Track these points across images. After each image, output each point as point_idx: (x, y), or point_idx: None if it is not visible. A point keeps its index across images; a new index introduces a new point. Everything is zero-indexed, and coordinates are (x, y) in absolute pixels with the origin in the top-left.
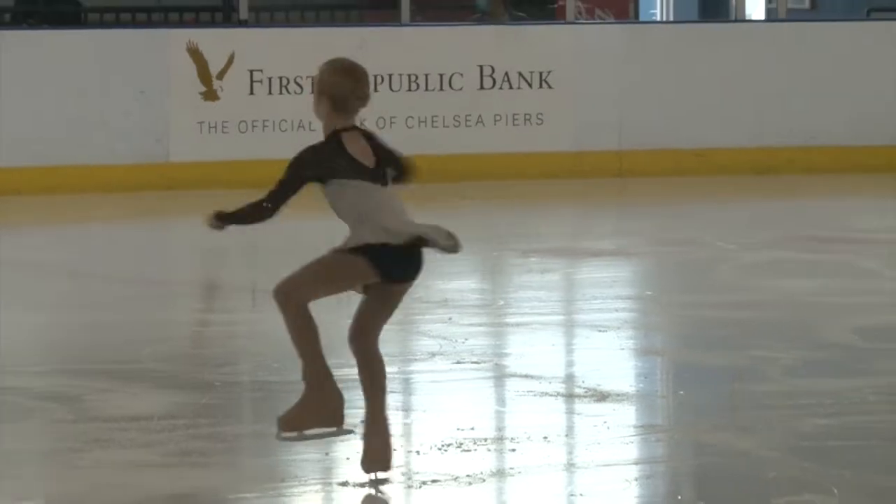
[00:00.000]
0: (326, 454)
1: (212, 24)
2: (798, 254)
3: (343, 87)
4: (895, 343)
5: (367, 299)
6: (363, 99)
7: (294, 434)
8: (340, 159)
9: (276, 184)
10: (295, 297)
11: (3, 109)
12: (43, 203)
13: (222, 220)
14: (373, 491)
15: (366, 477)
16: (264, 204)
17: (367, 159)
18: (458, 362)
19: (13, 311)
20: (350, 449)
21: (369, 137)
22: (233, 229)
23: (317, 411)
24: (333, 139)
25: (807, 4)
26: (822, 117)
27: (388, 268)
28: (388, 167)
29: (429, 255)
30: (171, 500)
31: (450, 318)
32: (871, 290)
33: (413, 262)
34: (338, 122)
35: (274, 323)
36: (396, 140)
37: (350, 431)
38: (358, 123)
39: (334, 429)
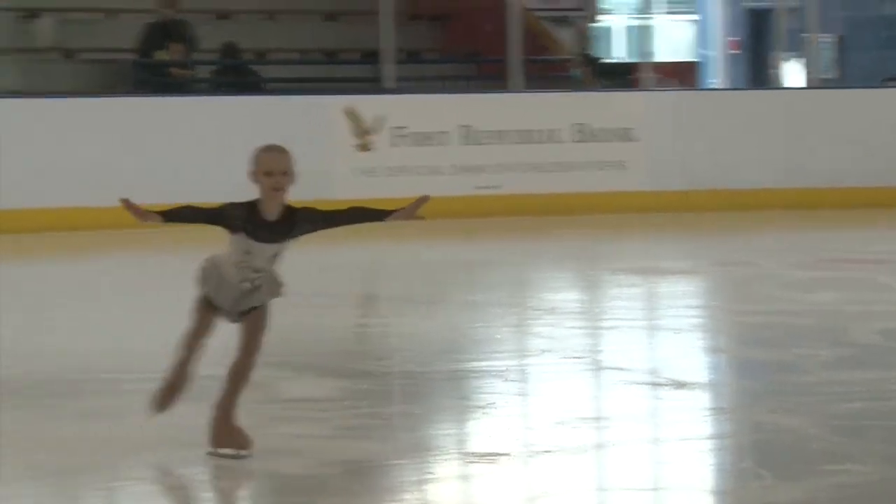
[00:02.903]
0: (462, 430)
1: (364, 91)
2: (828, 272)
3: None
4: None
5: None
6: None
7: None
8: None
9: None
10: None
11: (199, 155)
12: None
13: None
14: (498, 459)
15: (491, 447)
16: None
17: None
18: (564, 357)
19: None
20: (481, 425)
21: None
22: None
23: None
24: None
25: (833, 75)
26: (846, 163)
27: None
28: None
29: (538, 272)
30: (339, 466)
31: (557, 323)
32: (889, 300)
33: None
34: None
35: (418, 325)
36: (510, 183)
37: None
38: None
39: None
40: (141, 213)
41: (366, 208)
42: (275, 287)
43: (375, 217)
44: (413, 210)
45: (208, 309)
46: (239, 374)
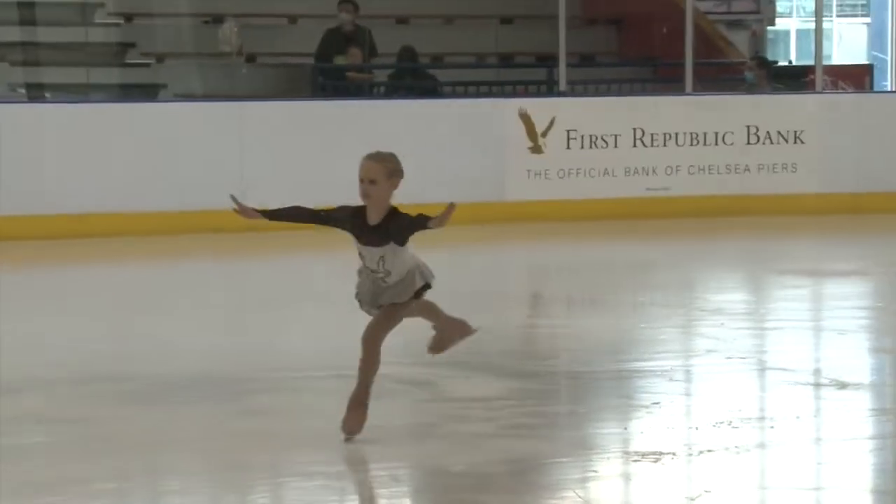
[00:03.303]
0: (625, 428)
1: (538, 94)
2: None
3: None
4: None
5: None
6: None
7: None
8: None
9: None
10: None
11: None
12: None
13: (266, 215)
14: (661, 458)
15: (654, 446)
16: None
17: None
18: (729, 357)
19: None
20: (644, 424)
21: None
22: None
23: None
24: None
25: None
26: None
27: None
28: None
29: (705, 273)
30: (504, 464)
31: (722, 323)
32: None
33: None
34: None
35: (586, 326)
36: (681, 185)
37: None
38: None
39: None
40: (245, 211)
41: (425, 216)
42: (408, 288)
43: (426, 224)
44: (444, 218)
45: None
46: (360, 368)
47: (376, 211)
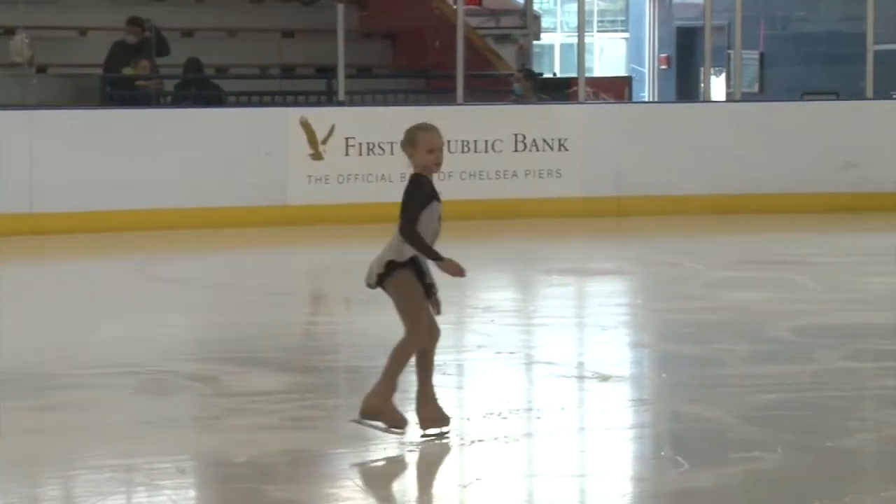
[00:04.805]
0: None
1: (318, 104)
2: (749, 273)
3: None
4: (822, 339)
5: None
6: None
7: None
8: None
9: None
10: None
11: (164, 164)
12: (193, 235)
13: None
14: (434, 448)
15: (427, 437)
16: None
17: None
18: (498, 352)
19: (170, 315)
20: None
21: None
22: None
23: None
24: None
25: (756, 89)
26: (767, 172)
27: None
28: None
29: (476, 272)
30: (286, 454)
31: (492, 320)
32: (804, 299)
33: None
34: None
35: (364, 323)
36: (453, 190)
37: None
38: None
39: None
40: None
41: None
42: (371, 268)
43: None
44: None
45: None
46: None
47: None
